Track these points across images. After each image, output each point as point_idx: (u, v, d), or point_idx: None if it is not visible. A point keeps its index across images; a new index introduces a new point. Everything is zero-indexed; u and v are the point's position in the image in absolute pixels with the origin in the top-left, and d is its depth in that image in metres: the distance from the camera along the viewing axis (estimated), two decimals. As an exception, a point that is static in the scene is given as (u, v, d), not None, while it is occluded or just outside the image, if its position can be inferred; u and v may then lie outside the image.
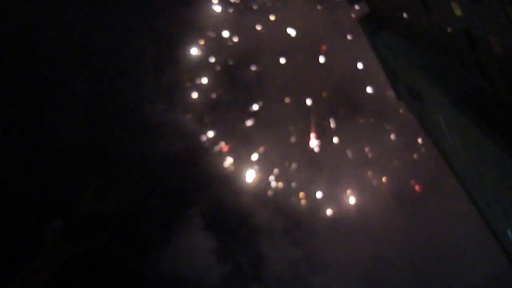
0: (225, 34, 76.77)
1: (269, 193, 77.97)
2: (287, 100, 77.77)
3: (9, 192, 62.04)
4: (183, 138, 76.99)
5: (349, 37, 75.30)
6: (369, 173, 78.19)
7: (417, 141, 76.04)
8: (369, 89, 74.59)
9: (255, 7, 77.61)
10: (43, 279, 3.46)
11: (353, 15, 70.51)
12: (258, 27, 77.05)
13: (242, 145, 79.09)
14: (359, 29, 47.64)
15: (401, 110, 70.96)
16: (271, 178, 78.38)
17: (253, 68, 78.06)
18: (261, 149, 78.53)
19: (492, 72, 18.83)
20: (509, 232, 24.41)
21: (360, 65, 73.72)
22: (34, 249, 3.60)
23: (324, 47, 76.86)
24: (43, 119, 67.45)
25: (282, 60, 76.62)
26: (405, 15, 30.73)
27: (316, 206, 76.98)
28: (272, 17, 77.47)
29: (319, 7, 77.05)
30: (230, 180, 79.54)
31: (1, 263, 49.42)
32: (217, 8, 76.38)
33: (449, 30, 21.87)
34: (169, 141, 74.86)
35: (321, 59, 76.65)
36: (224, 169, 79.01)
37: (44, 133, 67.00)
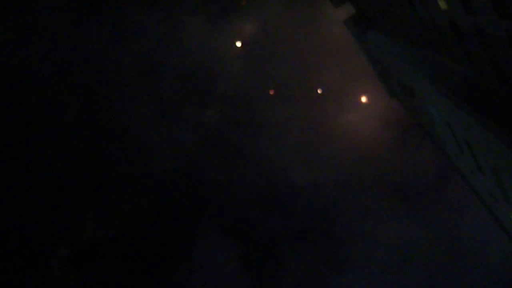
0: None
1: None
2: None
3: (11, 223, 61.62)
4: (178, 155, 76.73)
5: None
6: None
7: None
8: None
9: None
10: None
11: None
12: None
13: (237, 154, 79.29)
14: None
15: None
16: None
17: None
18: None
19: (481, 61, 18.96)
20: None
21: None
22: (42, 278, 3.60)
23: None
24: (37, 149, 67.08)
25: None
26: (391, 13, 30.97)
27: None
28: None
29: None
30: (234, 190, 79.44)
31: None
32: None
33: (435, 23, 22.05)
34: (165, 159, 74.54)
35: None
36: (224, 179, 78.89)
37: (40, 163, 66.59)
